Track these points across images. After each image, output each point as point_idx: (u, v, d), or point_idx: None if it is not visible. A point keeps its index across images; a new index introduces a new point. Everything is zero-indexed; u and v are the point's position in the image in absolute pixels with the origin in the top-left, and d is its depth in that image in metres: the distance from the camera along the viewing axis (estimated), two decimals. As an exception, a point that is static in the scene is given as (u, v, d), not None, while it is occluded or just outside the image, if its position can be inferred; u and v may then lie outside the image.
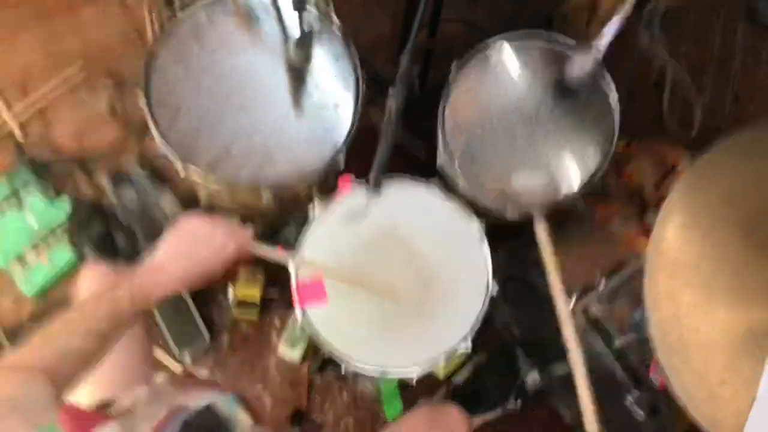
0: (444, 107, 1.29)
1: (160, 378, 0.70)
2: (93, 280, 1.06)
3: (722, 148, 0.91)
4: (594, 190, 1.31)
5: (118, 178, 1.65)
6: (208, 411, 0.67)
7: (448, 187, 1.40)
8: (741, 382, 0.82)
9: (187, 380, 0.96)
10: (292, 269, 1.21)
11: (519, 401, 1.69)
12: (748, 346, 0.83)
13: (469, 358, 1.73)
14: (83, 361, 0.67)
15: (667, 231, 0.89)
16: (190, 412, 0.65)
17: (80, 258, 1.57)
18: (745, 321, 0.85)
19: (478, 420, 1.60)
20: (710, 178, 0.91)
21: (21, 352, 0.65)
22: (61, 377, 0.63)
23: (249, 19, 1.25)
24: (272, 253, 0.93)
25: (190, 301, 1.61)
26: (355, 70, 1.25)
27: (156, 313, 1.60)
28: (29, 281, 1.59)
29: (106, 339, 0.69)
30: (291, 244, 1.65)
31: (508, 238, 1.56)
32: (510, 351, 1.70)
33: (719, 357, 0.84)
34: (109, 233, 1.58)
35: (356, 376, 1.69)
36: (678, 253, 0.87)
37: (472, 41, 1.30)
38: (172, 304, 1.60)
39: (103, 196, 1.68)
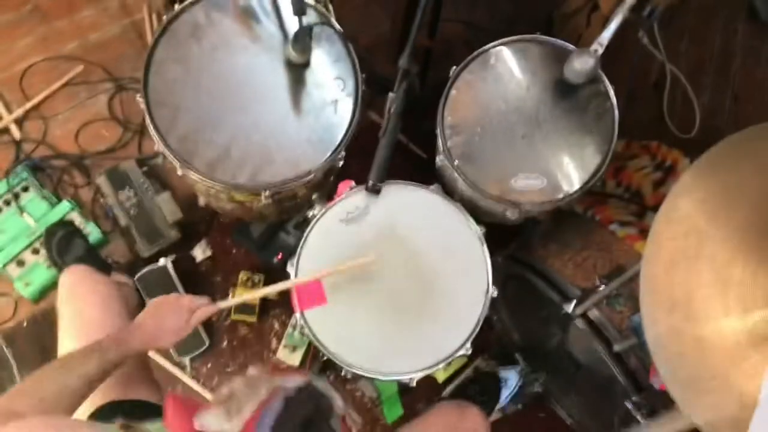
0: (444, 107, 1.29)
1: (252, 370, 0.77)
2: (75, 284, 1.18)
3: (713, 155, 0.89)
4: (594, 190, 1.30)
5: (117, 178, 1.65)
6: (308, 387, 0.72)
7: (448, 188, 1.39)
8: (744, 386, 0.80)
9: (278, 369, 1.04)
10: (291, 272, 1.21)
11: (519, 405, 1.69)
12: (752, 349, 0.82)
13: (469, 360, 1.73)
14: (71, 402, 0.84)
15: (663, 226, 0.82)
16: (289, 390, 0.70)
17: (59, 267, 1.54)
18: (748, 324, 0.83)
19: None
20: (706, 180, 0.89)
21: (8, 396, 0.79)
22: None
23: (249, 19, 1.24)
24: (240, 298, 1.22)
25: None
26: (355, 70, 1.24)
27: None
28: (27, 283, 1.58)
29: (91, 381, 0.88)
30: (289, 245, 1.67)
31: (507, 238, 1.56)
32: (509, 355, 1.70)
33: (722, 363, 0.80)
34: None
35: (356, 379, 1.68)
36: (675, 250, 0.82)
37: (472, 41, 1.30)
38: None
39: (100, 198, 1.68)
